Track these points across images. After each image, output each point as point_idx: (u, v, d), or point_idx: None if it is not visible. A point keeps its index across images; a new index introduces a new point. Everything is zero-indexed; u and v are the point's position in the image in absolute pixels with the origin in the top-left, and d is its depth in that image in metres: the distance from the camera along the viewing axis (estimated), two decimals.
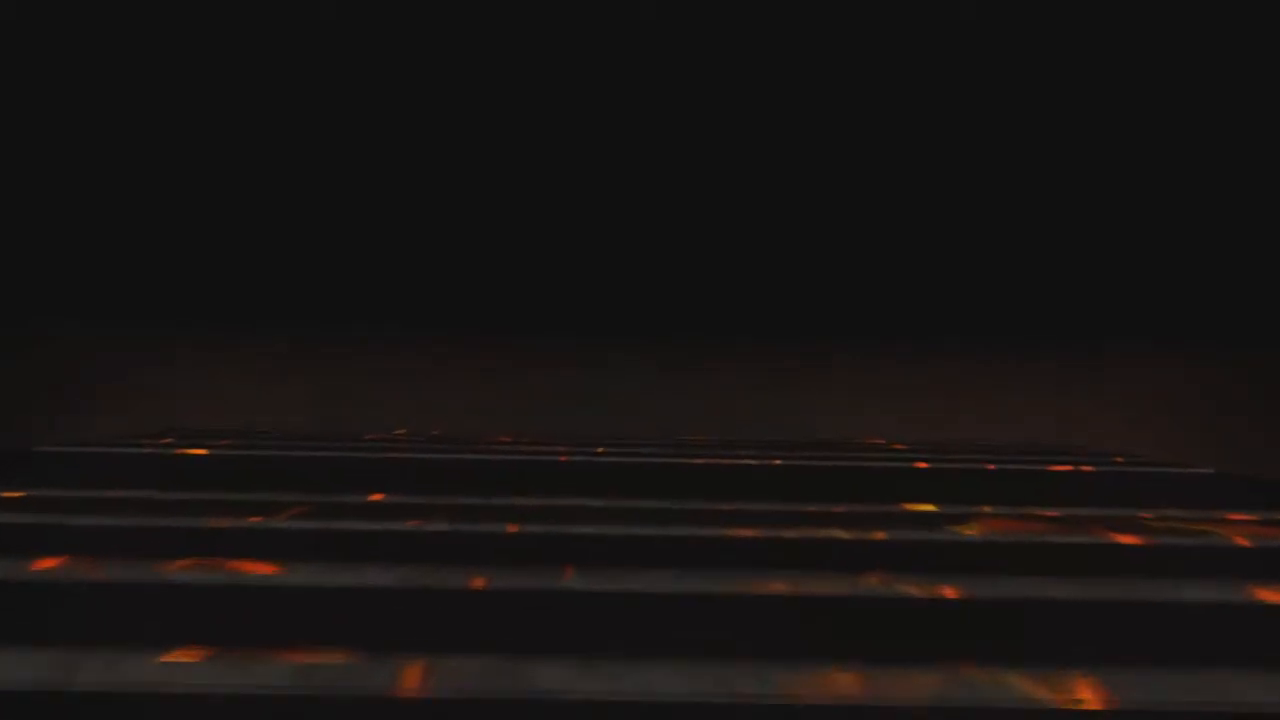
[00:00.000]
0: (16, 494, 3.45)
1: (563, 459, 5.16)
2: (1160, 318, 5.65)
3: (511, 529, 3.06)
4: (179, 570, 2.31)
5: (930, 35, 4.17)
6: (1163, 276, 5.49)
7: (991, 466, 5.08)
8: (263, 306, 6.09)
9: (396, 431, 6.97)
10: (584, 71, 4.28)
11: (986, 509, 3.66)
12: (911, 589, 2.37)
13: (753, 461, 5.06)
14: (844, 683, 1.79)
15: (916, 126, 4.69)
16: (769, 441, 6.64)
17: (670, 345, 6.77)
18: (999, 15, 4.14)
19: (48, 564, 2.38)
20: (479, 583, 2.32)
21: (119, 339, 6.02)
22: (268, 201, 5.48)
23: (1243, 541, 2.99)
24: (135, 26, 4.24)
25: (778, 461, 5.13)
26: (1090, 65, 4.36)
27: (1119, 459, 5.75)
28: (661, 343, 6.75)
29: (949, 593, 2.33)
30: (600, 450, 5.72)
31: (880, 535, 3.07)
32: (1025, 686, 1.82)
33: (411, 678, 1.77)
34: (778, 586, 2.35)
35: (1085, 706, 1.70)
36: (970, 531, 3.11)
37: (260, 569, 2.31)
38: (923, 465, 5.09)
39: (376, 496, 3.60)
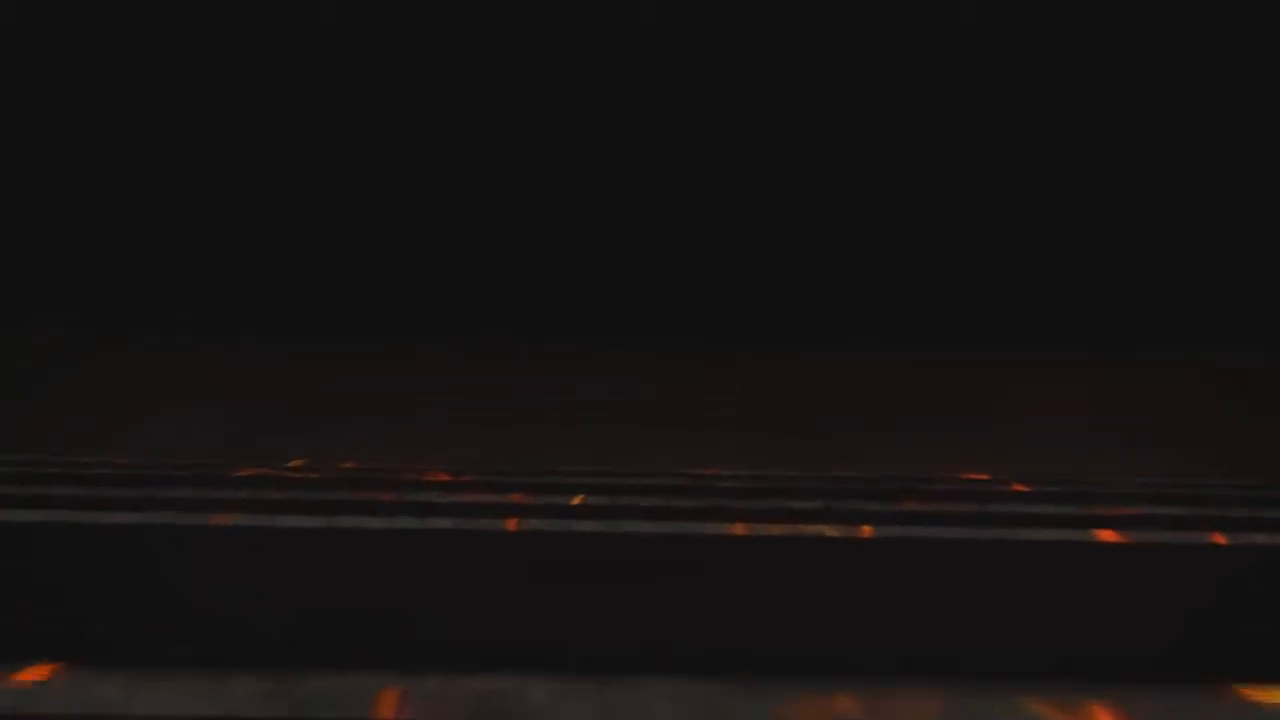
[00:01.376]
0: None
1: (512, 526, 3.12)
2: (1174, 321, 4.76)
3: None
4: None
5: (930, 35, 4.00)
6: (1174, 276, 4.65)
7: (1222, 539, 3.05)
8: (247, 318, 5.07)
9: (292, 463, 4.93)
10: (583, 71, 4.09)
11: None
12: None
13: (830, 530, 3.02)
14: None
15: (914, 126, 4.23)
16: (821, 477, 4.62)
17: (671, 347, 4.97)
18: (999, 15, 4.00)
19: None
20: None
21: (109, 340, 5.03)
22: (251, 203, 4.65)
23: None
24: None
25: (867, 530, 3.08)
26: (1086, 66, 4.07)
27: None
28: (662, 345, 4.96)
29: None
30: (576, 500, 3.69)
31: None
32: None
33: None
34: None
35: None
36: None
37: None
38: (1111, 536, 3.05)
39: (35, 672, 1.56)
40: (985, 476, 4.64)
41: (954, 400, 5.08)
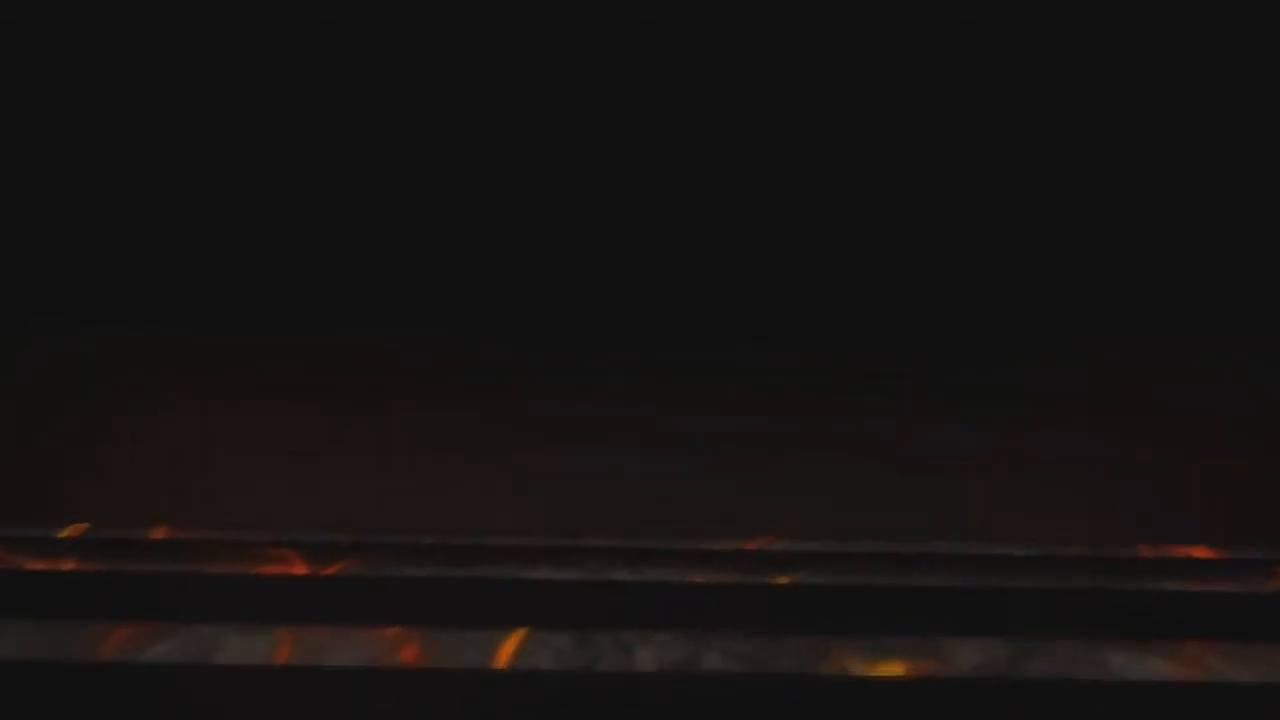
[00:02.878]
0: None
1: None
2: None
3: None
4: None
5: (930, 35, 3.99)
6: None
7: None
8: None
9: (62, 531, 3.07)
10: (583, 71, 3.90)
11: None
12: None
13: None
14: None
15: (915, 125, 4.12)
16: (948, 558, 2.82)
17: (670, 352, 3.73)
18: (999, 15, 4.06)
19: None
20: None
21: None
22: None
23: None
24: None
25: None
26: (1087, 67, 3.95)
27: None
28: (656, 346, 3.74)
29: None
30: (505, 651, 1.84)
31: None
32: None
33: None
34: None
35: None
36: None
37: None
38: None
39: None
40: (1213, 554, 2.82)
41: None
